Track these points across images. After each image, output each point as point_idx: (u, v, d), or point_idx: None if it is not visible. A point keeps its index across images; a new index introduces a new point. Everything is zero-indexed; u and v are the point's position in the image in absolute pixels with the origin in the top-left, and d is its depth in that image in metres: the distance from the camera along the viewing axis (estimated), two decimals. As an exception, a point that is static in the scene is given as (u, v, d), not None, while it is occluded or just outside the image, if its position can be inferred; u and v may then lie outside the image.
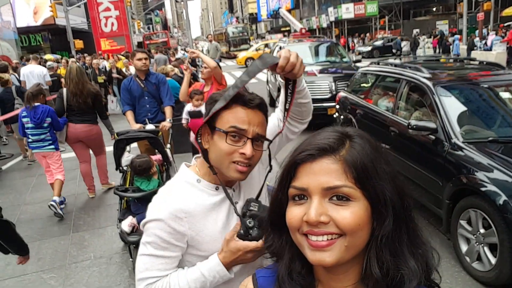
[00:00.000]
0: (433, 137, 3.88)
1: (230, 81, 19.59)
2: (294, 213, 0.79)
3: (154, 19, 62.16)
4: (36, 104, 4.95)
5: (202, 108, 4.50)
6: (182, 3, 24.47)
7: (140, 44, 33.05)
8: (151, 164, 3.81)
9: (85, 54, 17.45)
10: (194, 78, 15.62)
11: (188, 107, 4.68)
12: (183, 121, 4.78)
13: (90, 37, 29.01)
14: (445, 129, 3.82)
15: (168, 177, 4.09)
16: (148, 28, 56.85)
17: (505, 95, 4.37)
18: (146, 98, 4.97)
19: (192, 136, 4.66)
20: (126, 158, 4.08)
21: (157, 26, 59.64)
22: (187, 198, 1.26)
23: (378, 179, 0.76)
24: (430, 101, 4.23)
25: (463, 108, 4.18)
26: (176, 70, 9.12)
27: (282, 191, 0.83)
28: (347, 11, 35.63)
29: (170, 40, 38.27)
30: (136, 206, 3.79)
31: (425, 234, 0.81)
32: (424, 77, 4.43)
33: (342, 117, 6.31)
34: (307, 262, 0.81)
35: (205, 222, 1.27)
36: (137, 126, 4.71)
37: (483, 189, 3.17)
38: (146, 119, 4.90)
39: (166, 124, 4.81)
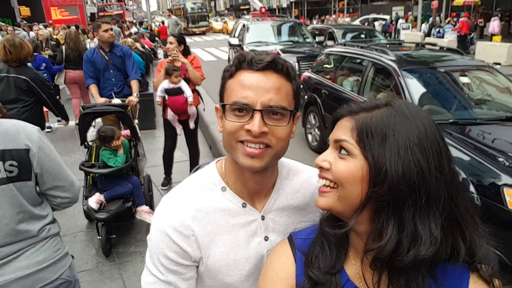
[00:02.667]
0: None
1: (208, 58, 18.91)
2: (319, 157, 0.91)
3: (108, -11, 59.07)
4: (35, 53, 6.73)
5: (182, 84, 4.36)
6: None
7: (93, 16, 31.49)
8: (116, 133, 3.65)
9: (35, 23, 16.33)
10: (154, 54, 15.17)
11: (165, 84, 4.38)
12: (158, 99, 4.51)
13: (38, 4, 27.20)
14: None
15: (137, 154, 3.98)
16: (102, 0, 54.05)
17: (463, 79, 4.59)
18: (111, 71, 4.75)
19: (170, 114, 4.46)
20: (92, 133, 3.89)
21: (111, -3, 56.79)
22: (199, 209, 1.03)
23: (382, 146, 0.78)
24: (395, 83, 4.37)
25: (426, 90, 4.35)
26: (138, 44, 8.80)
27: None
28: (308, -8, 35.73)
29: (126, 12, 36.72)
30: (103, 182, 3.67)
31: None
32: (390, 60, 4.56)
33: (306, 96, 6.38)
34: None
35: (219, 246, 1.04)
36: (102, 100, 4.50)
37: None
38: (112, 93, 4.69)
39: (133, 99, 4.60)
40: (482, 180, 3.08)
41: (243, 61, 0.97)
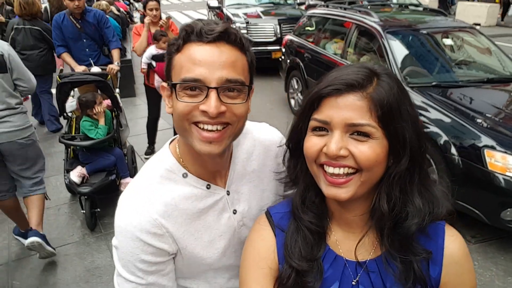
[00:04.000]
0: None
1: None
2: (312, 143, 0.81)
3: None
4: None
5: None
6: None
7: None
8: (97, 98, 3.47)
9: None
10: (130, 17, 14.62)
11: (152, 49, 4.23)
12: (143, 65, 4.33)
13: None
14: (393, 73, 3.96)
15: (119, 124, 3.80)
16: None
17: (446, 41, 4.58)
18: (84, 40, 4.37)
19: (157, 80, 4.31)
20: (71, 103, 3.70)
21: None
22: (167, 203, 0.96)
23: (401, 120, 0.78)
24: (378, 45, 4.33)
25: (409, 53, 4.33)
26: (112, 7, 8.43)
27: (303, 121, 0.84)
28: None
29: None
30: (84, 155, 3.56)
31: (439, 172, 0.86)
32: (374, 22, 4.49)
33: (288, 61, 6.29)
34: (320, 191, 0.85)
35: (193, 233, 1.00)
36: (81, 68, 4.18)
37: (425, 130, 3.39)
38: (91, 61, 4.36)
39: (114, 67, 4.31)
40: (463, 142, 3.14)
41: (191, 33, 0.87)
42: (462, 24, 4.92)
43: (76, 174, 3.34)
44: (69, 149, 3.63)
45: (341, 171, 0.78)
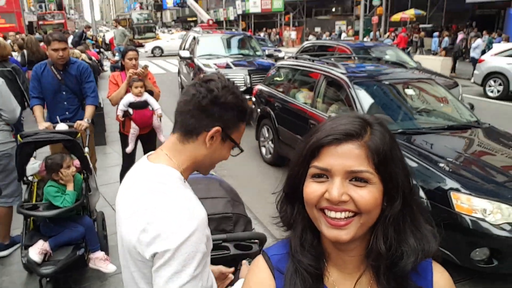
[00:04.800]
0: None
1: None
2: (313, 189, 0.87)
3: (47, -3, 56.68)
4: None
5: (146, 96, 4.22)
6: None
7: (31, 24, 30.02)
8: (65, 160, 3.02)
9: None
10: (100, 66, 14.72)
11: (130, 97, 4.19)
12: (119, 113, 4.23)
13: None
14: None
15: (89, 189, 3.34)
16: (40, 6, 51.64)
17: (408, 91, 4.89)
18: (64, 93, 4.10)
19: (133, 128, 4.27)
20: (32, 166, 3.24)
21: (50, 6, 54.52)
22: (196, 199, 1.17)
23: (394, 165, 0.86)
24: (346, 95, 4.57)
25: (375, 102, 4.59)
26: (84, 55, 8.51)
27: (303, 168, 0.90)
28: (254, 5, 36.29)
29: (68, 22, 35.38)
30: (47, 226, 3.02)
31: (425, 216, 0.93)
32: (341, 73, 4.76)
33: (259, 110, 6.48)
34: (317, 233, 0.91)
35: None
36: (45, 125, 3.81)
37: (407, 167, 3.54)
38: (57, 118, 3.99)
39: (83, 123, 3.90)
40: (430, 186, 3.30)
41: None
42: (421, 76, 5.29)
43: (37, 251, 2.79)
44: (28, 220, 3.08)
45: (342, 215, 0.84)
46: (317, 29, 32.13)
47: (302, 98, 5.51)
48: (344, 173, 0.84)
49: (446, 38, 19.56)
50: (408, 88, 4.94)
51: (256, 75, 8.44)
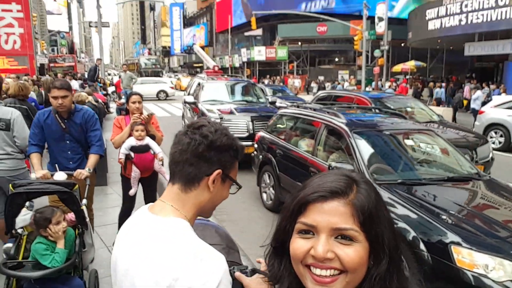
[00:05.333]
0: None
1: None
2: (299, 245, 0.87)
3: (60, 41, 58.77)
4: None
5: (147, 141, 4.27)
6: (96, 28, 23.65)
7: (42, 66, 30.92)
8: (56, 215, 2.76)
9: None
10: (106, 108, 15.00)
11: (131, 141, 4.23)
12: (121, 156, 4.26)
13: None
14: (361, 171, 4.18)
15: (83, 245, 3.05)
16: (53, 50, 53.58)
17: (408, 142, 4.94)
18: (68, 142, 3.90)
19: (134, 171, 4.29)
20: (23, 217, 2.91)
21: (62, 49, 56.41)
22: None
23: (380, 224, 0.87)
24: (346, 144, 4.62)
25: (375, 151, 4.62)
26: (90, 98, 8.71)
27: (290, 223, 0.90)
28: (259, 54, 37.47)
29: (78, 65, 36.44)
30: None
31: (411, 269, 0.93)
32: (342, 122, 4.84)
33: (261, 156, 6.52)
34: None
35: None
36: (41, 173, 3.55)
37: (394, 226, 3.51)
38: (56, 166, 3.75)
39: (84, 172, 3.66)
40: (431, 238, 3.25)
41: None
42: (421, 127, 5.36)
43: None
44: (11, 280, 2.75)
45: (328, 272, 0.84)
46: (320, 78, 32.87)
47: (303, 146, 5.56)
48: (329, 230, 0.84)
49: (438, 89, 19.98)
50: (408, 138, 4.99)
51: (258, 122, 8.55)
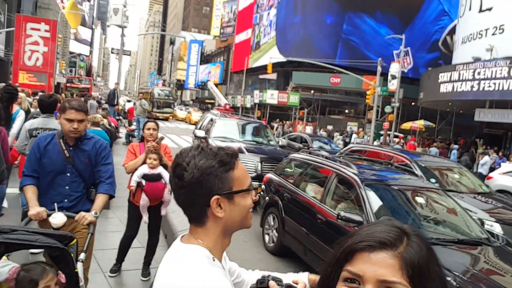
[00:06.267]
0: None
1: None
2: None
3: (79, 63, 60.38)
4: None
5: (160, 170, 4.28)
6: (116, 55, 24.34)
7: (58, 85, 31.58)
8: (46, 276, 2.17)
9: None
10: (117, 131, 15.15)
11: (144, 169, 4.25)
12: (132, 183, 4.24)
13: (4, 66, 27.17)
14: (369, 222, 4.14)
15: None
16: (71, 71, 54.85)
17: (418, 199, 4.92)
18: (68, 175, 3.13)
19: (144, 199, 4.28)
20: (1, 268, 2.22)
21: (80, 71, 57.84)
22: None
23: (430, 281, 0.84)
24: (356, 194, 4.61)
25: (385, 205, 4.60)
26: (105, 121, 8.83)
27: (336, 271, 0.89)
28: (272, 97, 38.08)
29: (93, 87, 37.20)
30: None
31: None
32: (353, 173, 4.85)
33: (267, 198, 6.50)
34: None
35: None
36: (37, 210, 2.86)
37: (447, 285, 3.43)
38: (55, 205, 2.91)
39: (87, 216, 2.90)
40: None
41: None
42: (431, 185, 5.35)
43: None
44: None
45: None
46: (329, 127, 33.21)
47: (311, 192, 5.55)
48: (376, 282, 0.82)
49: (454, 150, 20.06)
50: (418, 196, 4.97)
51: (267, 163, 8.57)
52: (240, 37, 53.24)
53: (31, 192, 3.02)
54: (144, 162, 4.32)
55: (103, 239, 5.43)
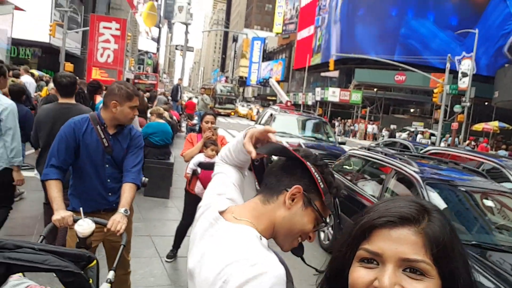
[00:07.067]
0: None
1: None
2: (361, 275, 0.77)
3: (147, 60, 63.35)
4: None
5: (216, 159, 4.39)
6: (180, 52, 25.22)
7: (128, 81, 33.28)
8: None
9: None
10: (179, 125, 15.69)
11: (200, 157, 4.37)
12: (188, 170, 4.37)
13: (80, 62, 29.21)
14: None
15: None
16: (139, 68, 57.71)
17: (486, 202, 4.56)
18: (107, 166, 2.78)
19: (198, 187, 4.37)
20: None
21: (147, 68, 60.69)
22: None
23: (454, 260, 0.76)
24: (417, 194, 4.36)
25: (449, 207, 4.32)
26: (167, 114, 9.16)
27: (351, 250, 0.81)
28: (333, 94, 37.41)
29: (159, 84, 38.79)
30: None
31: None
32: (414, 171, 4.60)
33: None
34: None
35: None
36: (62, 215, 2.41)
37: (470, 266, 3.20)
38: (81, 210, 2.36)
39: (122, 222, 2.45)
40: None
41: None
42: (502, 188, 4.95)
43: None
44: None
45: None
46: (393, 126, 31.99)
47: (369, 189, 5.36)
48: (397, 261, 0.74)
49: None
50: (486, 198, 4.61)
51: (325, 160, 8.40)
52: (302, 34, 52.82)
53: (56, 190, 2.57)
54: (200, 151, 4.42)
55: (162, 226, 5.65)
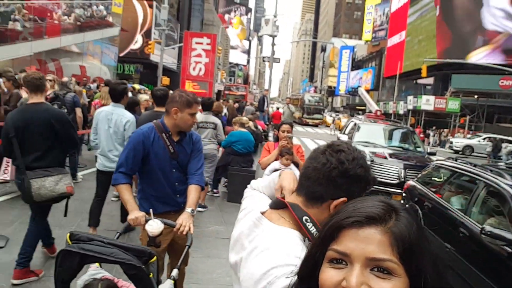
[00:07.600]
0: (509, 250, 3.62)
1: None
2: (330, 275, 0.78)
3: (237, 72, 65.86)
4: None
5: (292, 168, 4.46)
6: (269, 63, 25.86)
7: (219, 92, 34.90)
8: None
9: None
10: (265, 135, 16.07)
11: (276, 164, 4.47)
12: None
13: (176, 76, 31.49)
14: None
15: None
16: (230, 79, 60.19)
17: None
18: (174, 171, 3.00)
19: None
20: (83, 278, 1.95)
21: (238, 80, 63.02)
22: None
23: (422, 258, 0.76)
24: (509, 209, 3.99)
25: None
26: (251, 123, 9.45)
27: (321, 251, 0.82)
28: (427, 103, 35.21)
29: (248, 95, 40.06)
30: None
31: None
32: (508, 184, 4.22)
33: (407, 205, 6.10)
34: None
35: None
36: (136, 215, 2.64)
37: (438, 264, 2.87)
38: (151, 211, 2.57)
39: (189, 222, 2.66)
40: None
41: None
42: None
43: None
44: None
45: None
46: (498, 137, 29.12)
47: (456, 203, 5.01)
48: (364, 260, 0.75)
49: None
50: None
51: (411, 170, 8.06)
52: (393, 40, 50.75)
53: (128, 193, 2.84)
54: (276, 159, 4.55)
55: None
